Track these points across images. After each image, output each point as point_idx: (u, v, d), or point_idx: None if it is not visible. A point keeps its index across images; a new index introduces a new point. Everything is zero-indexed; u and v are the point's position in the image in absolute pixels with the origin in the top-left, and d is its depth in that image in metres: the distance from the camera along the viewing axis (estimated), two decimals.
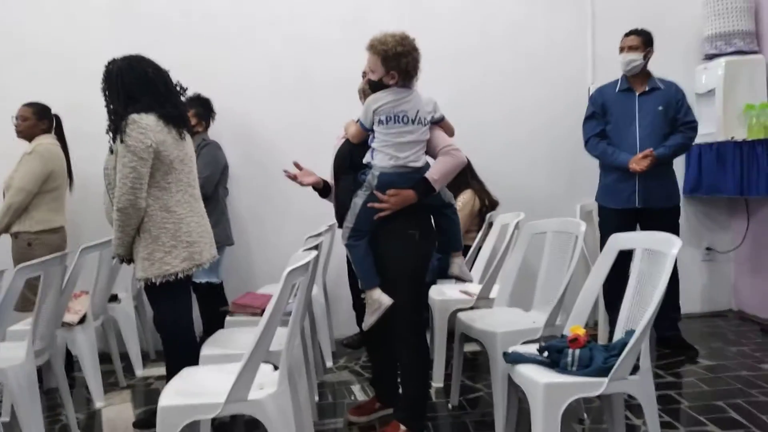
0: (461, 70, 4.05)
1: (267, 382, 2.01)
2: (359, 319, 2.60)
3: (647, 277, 2.05)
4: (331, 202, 2.63)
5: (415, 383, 2.43)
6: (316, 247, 2.54)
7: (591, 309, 2.28)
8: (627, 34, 3.41)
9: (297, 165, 2.63)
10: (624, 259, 2.21)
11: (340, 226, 2.43)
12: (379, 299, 2.29)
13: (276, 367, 2.09)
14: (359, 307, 2.52)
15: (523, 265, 2.87)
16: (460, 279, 2.59)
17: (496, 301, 2.90)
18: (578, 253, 2.47)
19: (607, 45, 3.81)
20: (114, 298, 3.53)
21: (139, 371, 3.57)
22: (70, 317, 3.02)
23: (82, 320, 3.06)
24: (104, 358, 3.50)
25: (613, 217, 3.40)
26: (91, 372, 3.08)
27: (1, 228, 3.30)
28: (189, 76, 2.66)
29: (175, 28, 3.90)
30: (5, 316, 2.36)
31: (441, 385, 3.11)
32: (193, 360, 2.34)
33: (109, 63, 2.42)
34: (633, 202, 3.38)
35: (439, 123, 2.43)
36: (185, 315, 2.54)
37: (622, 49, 3.40)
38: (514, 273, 2.86)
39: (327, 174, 2.64)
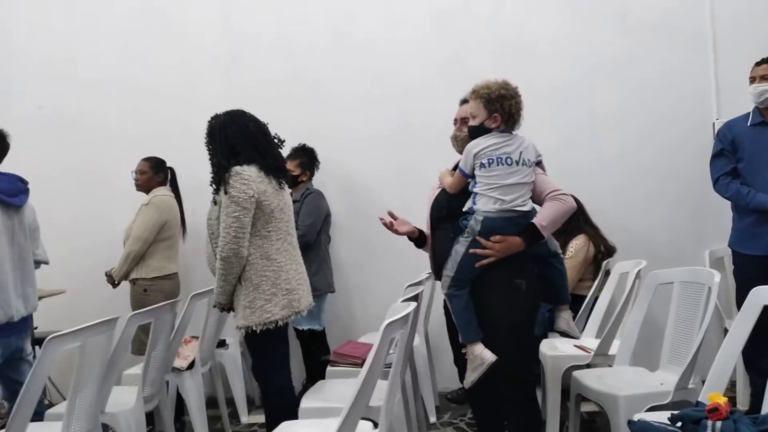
0: (568, 110, 3.86)
1: None
2: (461, 375, 2.45)
3: None
4: (426, 252, 2.56)
5: None
6: (415, 298, 2.45)
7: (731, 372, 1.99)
8: (758, 63, 3.09)
9: (391, 214, 2.59)
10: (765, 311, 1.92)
11: (437, 277, 2.34)
12: (481, 355, 2.12)
13: (375, 424, 1.99)
14: (461, 362, 2.37)
15: (647, 319, 2.61)
16: (566, 335, 2.39)
17: (617, 358, 2.63)
18: (712, 307, 2.20)
19: (733, 74, 3.49)
20: (222, 344, 3.61)
21: (244, 418, 3.59)
22: (180, 362, 3.10)
23: (191, 366, 3.14)
24: (212, 403, 3.57)
25: (752, 266, 3.01)
26: (198, 418, 3.12)
27: (120, 275, 3.50)
28: (294, 129, 2.72)
29: (281, 82, 4.04)
30: (118, 361, 2.44)
31: None
32: (291, 410, 2.31)
33: (212, 118, 2.52)
34: None
35: (538, 164, 2.31)
36: (284, 363, 2.54)
37: (753, 80, 3.07)
38: (637, 327, 2.60)
39: (422, 223, 2.56)
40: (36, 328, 3.64)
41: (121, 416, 2.50)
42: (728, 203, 3.25)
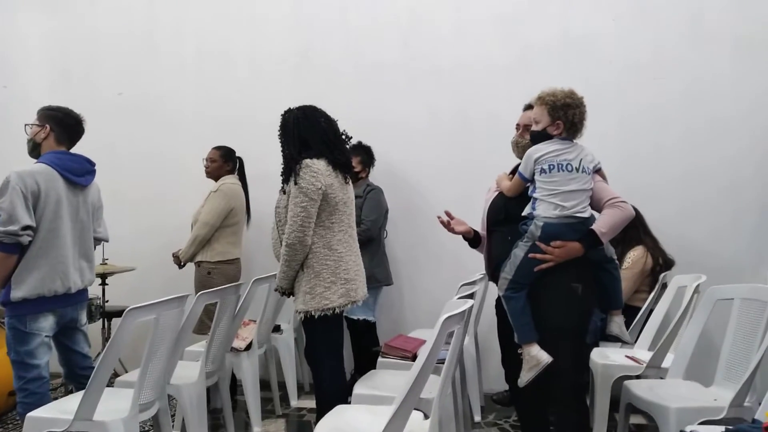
0: (635, 125, 3.80)
1: (416, 430, 1.97)
2: (508, 376, 2.49)
3: None
4: (480, 253, 2.60)
5: None
6: (471, 296, 2.50)
7: None
8: None
9: (448, 213, 2.65)
10: None
11: (491, 279, 2.38)
12: (537, 356, 2.16)
13: (426, 416, 2.05)
14: (509, 363, 2.41)
15: (702, 334, 2.58)
16: (618, 339, 2.39)
17: (671, 371, 2.62)
18: None
19: None
20: (277, 329, 3.75)
21: (294, 401, 3.72)
22: (238, 343, 3.25)
23: (248, 347, 3.28)
24: (264, 385, 3.71)
25: None
26: (252, 398, 3.26)
27: (187, 257, 3.68)
28: (353, 124, 2.81)
29: (345, 79, 4.15)
30: (185, 336, 2.59)
31: None
32: (343, 395, 2.39)
33: (285, 112, 2.65)
34: None
35: (598, 172, 2.33)
36: (337, 349, 2.63)
37: None
38: (693, 342, 2.57)
39: (477, 224, 2.60)
40: (107, 301, 3.88)
41: (185, 389, 2.66)
42: None
